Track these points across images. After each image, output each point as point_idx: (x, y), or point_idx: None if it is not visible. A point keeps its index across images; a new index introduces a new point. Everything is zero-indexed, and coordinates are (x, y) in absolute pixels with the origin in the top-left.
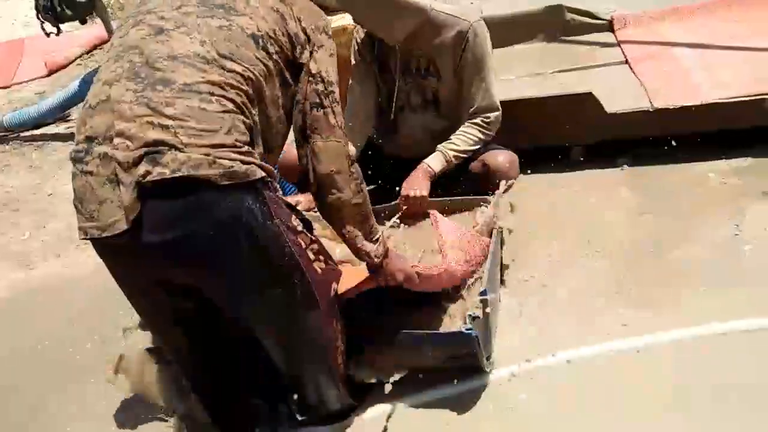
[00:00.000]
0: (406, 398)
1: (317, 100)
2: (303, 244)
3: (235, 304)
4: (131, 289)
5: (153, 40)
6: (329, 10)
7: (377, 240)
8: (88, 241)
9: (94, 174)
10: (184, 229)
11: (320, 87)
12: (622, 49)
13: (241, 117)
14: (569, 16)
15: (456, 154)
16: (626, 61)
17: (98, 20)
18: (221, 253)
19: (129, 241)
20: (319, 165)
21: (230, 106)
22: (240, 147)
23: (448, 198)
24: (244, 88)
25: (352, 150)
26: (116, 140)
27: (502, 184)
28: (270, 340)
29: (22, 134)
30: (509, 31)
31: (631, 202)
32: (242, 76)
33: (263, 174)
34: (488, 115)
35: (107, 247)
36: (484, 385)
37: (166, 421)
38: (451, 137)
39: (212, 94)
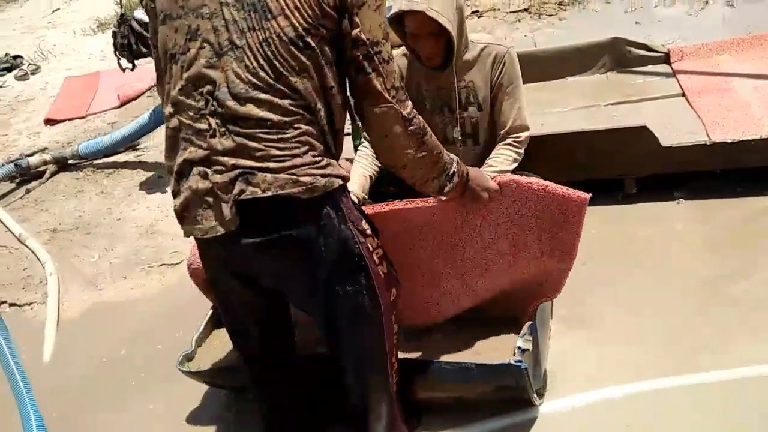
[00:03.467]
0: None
1: (360, 66)
2: (370, 247)
3: (307, 303)
4: (216, 283)
5: (217, 68)
6: None
7: (453, 173)
8: (152, 268)
9: (193, 188)
10: (274, 233)
11: (361, 51)
12: (678, 82)
13: (313, 130)
14: (625, 48)
15: (497, 175)
16: (683, 94)
17: None
18: (302, 253)
19: (224, 244)
20: (371, 134)
21: (303, 126)
22: (318, 162)
23: None
24: (308, 100)
25: (407, 107)
26: (213, 167)
27: None
28: (334, 345)
29: (95, 162)
30: (563, 63)
31: (688, 237)
32: (297, 89)
33: (340, 183)
34: (519, 135)
35: (207, 244)
36: (533, 419)
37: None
38: (488, 161)
39: (285, 123)
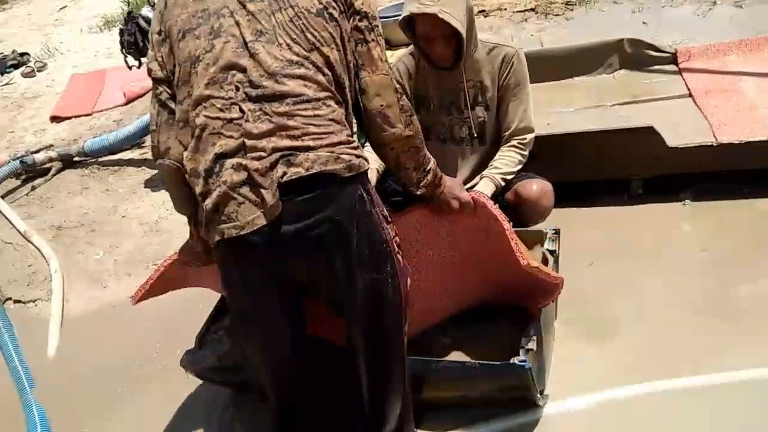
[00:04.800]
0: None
1: (361, 36)
2: (392, 233)
3: (338, 291)
4: (247, 287)
5: (244, 56)
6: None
7: (429, 170)
8: (156, 265)
9: (228, 183)
10: (315, 218)
11: (364, 23)
12: (685, 82)
13: (342, 111)
14: (633, 48)
15: (502, 176)
16: (690, 95)
17: None
18: (339, 236)
19: (263, 236)
20: (368, 101)
21: (334, 105)
22: (352, 142)
23: None
24: (338, 73)
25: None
26: (249, 154)
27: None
28: (356, 335)
29: (100, 159)
30: (570, 63)
31: (693, 238)
32: (328, 59)
33: (368, 166)
34: (525, 136)
35: (237, 247)
36: (536, 420)
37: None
38: (493, 162)
39: (318, 99)
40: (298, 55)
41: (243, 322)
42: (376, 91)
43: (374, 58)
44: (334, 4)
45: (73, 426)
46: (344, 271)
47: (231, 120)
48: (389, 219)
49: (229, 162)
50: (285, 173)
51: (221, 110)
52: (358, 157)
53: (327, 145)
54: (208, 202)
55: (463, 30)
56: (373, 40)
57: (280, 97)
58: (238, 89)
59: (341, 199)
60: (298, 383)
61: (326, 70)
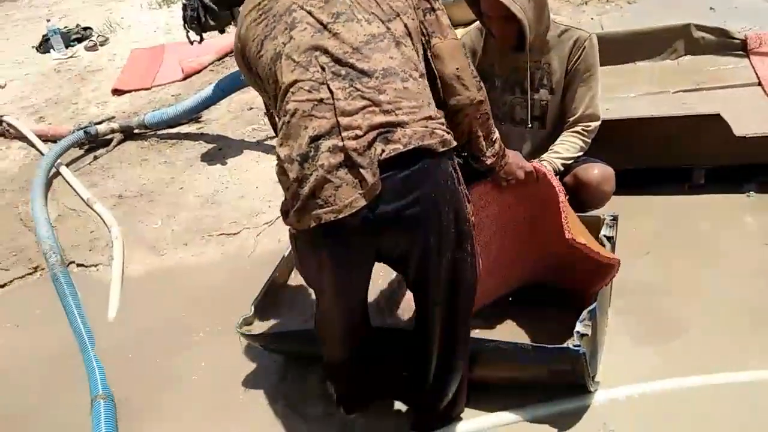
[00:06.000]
0: (503, 414)
1: (428, 5)
2: (471, 212)
3: (426, 268)
4: (339, 268)
5: (324, 37)
6: None
7: (496, 140)
8: (211, 237)
9: (325, 166)
10: (414, 195)
11: None
12: (755, 70)
13: (425, 83)
14: (699, 34)
15: (562, 161)
16: (759, 83)
17: (232, 29)
18: (434, 213)
19: (361, 217)
20: (443, 66)
21: (417, 76)
22: (439, 117)
23: None
24: (414, 41)
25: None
26: (344, 133)
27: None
28: (429, 313)
29: (159, 132)
30: (631, 47)
31: (756, 231)
32: (407, 27)
33: (455, 143)
34: (589, 124)
35: (332, 230)
36: (585, 406)
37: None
38: (554, 147)
39: (405, 71)
40: (379, 27)
41: (323, 291)
42: (450, 54)
43: (443, 25)
44: None
45: (131, 383)
46: (436, 249)
47: (321, 100)
48: (469, 198)
49: (325, 144)
50: (383, 150)
51: (309, 92)
52: (448, 132)
53: (421, 119)
54: (305, 189)
55: (523, 15)
56: (439, 8)
57: (368, 72)
58: (324, 69)
59: (437, 176)
60: (368, 337)
61: (407, 41)
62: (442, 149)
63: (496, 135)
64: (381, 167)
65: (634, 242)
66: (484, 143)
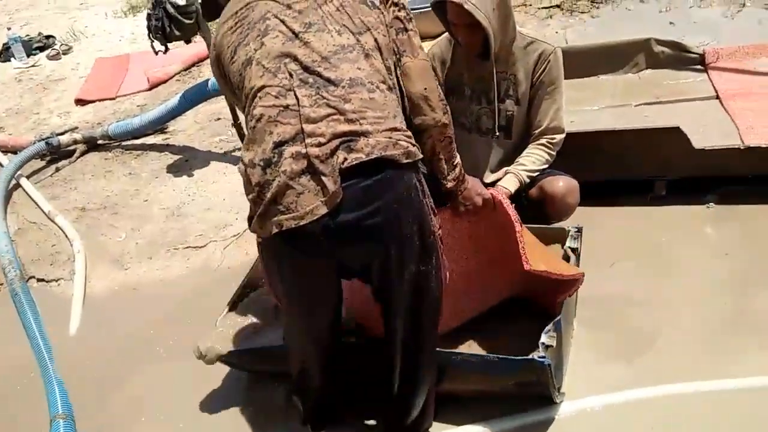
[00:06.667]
0: (471, 427)
1: (401, 26)
2: (437, 225)
3: (388, 279)
4: (302, 277)
5: (295, 45)
6: None
7: (457, 164)
8: (177, 250)
9: (288, 172)
10: (375, 205)
11: (402, 13)
12: (713, 84)
13: (393, 97)
14: (659, 48)
15: (528, 174)
16: (717, 96)
17: (198, 39)
18: (395, 224)
19: (322, 225)
20: (411, 85)
21: (386, 92)
22: (405, 130)
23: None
24: (385, 57)
25: None
26: (308, 140)
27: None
28: (393, 326)
29: (123, 143)
30: (594, 61)
31: (716, 241)
32: (377, 42)
33: (421, 155)
34: (554, 136)
35: (293, 239)
36: (551, 418)
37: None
38: (519, 159)
39: (372, 83)
40: (348, 39)
41: (289, 302)
42: (419, 74)
43: (415, 45)
44: None
45: (92, 400)
46: (397, 260)
47: (287, 107)
48: (435, 211)
49: (289, 150)
50: (345, 159)
51: (276, 97)
52: (413, 144)
53: (385, 130)
54: (267, 194)
55: (487, 23)
56: (411, 29)
57: (335, 81)
58: (292, 76)
59: (399, 187)
60: (336, 352)
61: (376, 54)
62: (405, 160)
63: (458, 159)
64: (343, 176)
65: (599, 253)
66: (445, 166)
